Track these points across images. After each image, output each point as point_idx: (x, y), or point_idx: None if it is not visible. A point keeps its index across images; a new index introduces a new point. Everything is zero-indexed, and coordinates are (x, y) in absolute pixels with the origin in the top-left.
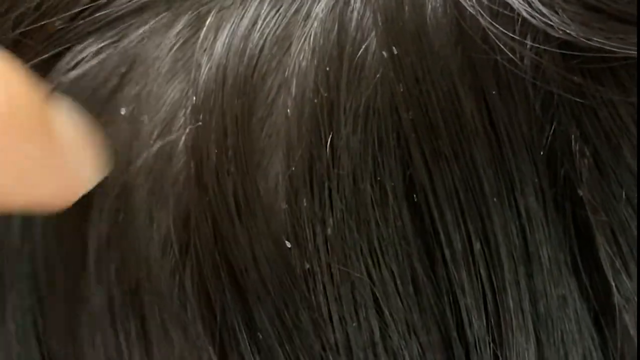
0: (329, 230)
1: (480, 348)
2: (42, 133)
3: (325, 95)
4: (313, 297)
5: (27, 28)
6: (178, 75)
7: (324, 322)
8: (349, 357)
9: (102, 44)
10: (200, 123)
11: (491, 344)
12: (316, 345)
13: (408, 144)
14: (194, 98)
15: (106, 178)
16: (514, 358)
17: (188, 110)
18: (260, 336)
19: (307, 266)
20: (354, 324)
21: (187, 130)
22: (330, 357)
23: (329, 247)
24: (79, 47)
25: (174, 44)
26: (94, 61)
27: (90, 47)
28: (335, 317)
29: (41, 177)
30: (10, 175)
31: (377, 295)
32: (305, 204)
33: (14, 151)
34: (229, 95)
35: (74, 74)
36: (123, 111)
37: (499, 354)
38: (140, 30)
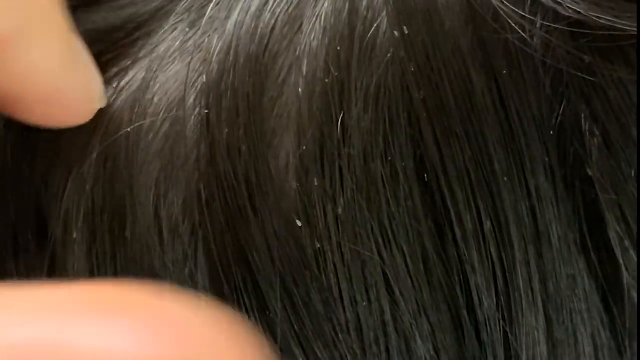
0: (340, 210)
1: (490, 327)
2: None
3: (336, 74)
4: (324, 276)
5: None
6: (189, 53)
7: (334, 302)
8: (360, 338)
9: None
10: (211, 102)
11: (501, 323)
12: (327, 325)
13: (419, 123)
14: (205, 77)
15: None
16: (523, 337)
17: (199, 90)
18: (271, 316)
19: (318, 245)
20: (364, 304)
21: (198, 109)
22: (341, 338)
23: (339, 226)
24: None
25: (185, 22)
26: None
27: None
28: (345, 297)
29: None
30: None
31: (388, 274)
32: (316, 183)
33: None
34: (240, 75)
35: None
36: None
37: (509, 333)
38: (150, 8)
